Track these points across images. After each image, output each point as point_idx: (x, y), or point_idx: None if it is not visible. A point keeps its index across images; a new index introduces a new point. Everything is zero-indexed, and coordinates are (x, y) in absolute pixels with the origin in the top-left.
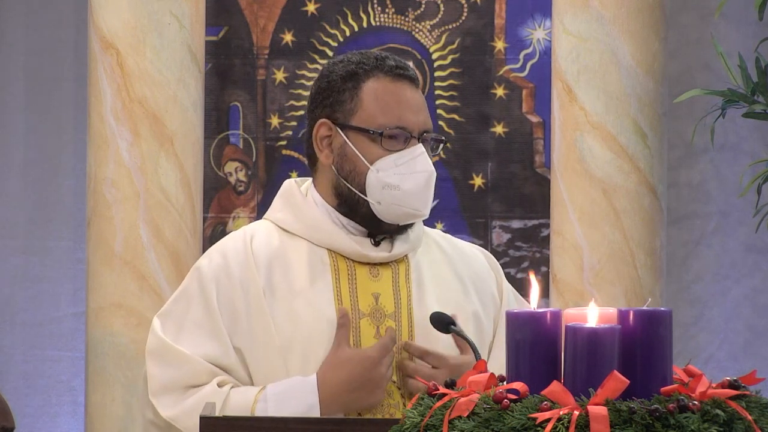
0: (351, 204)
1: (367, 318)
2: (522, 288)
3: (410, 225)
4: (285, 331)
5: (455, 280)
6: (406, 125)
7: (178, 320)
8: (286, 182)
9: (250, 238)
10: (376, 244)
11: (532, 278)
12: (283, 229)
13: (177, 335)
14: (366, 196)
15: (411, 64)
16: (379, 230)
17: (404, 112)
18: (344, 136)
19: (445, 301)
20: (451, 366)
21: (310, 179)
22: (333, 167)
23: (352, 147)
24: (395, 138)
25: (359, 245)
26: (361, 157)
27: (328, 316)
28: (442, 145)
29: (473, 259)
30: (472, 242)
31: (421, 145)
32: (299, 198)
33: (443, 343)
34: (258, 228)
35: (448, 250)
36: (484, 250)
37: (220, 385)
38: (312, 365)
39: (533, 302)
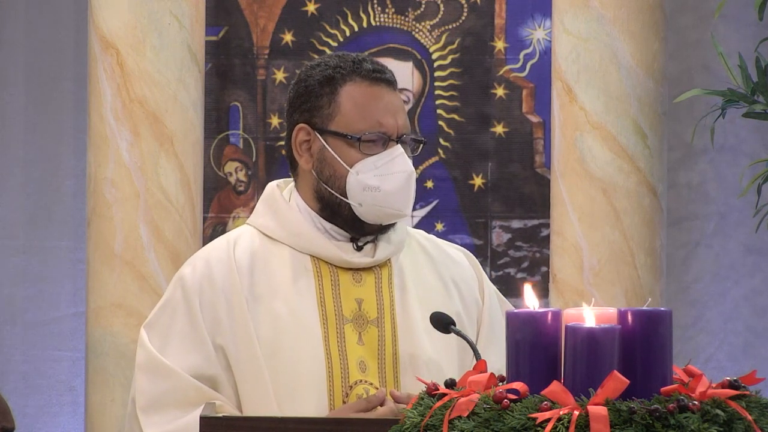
0: (332, 207)
1: (350, 324)
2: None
3: (392, 225)
4: (268, 339)
5: (438, 283)
6: (385, 130)
7: (163, 331)
8: (269, 186)
9: (233, 245)
10: (359, 249)
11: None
12: (266, 235)
13: (163, 347)
14: (347, 198)
15: (411, 64)
16: (362, 232)
17: (383, 116)
18: (323, 141)
19: (427, 305)
20: None
21: (293, 182)
22: (313, 171)
23: (331, 151)
24: (374, 142)
25: (342, 251)
26: (340, 161)
27: (311, 323)
28: (421, 146)
29: (457, 261)
30: (473, 242)
31: (399, 146)
32: (282, 203)
33: (427, 349)
34: (241, 234)
35: (432, 252)
36: (466, 251)
37: None
38: (293, 372)
39: (532, 303)
